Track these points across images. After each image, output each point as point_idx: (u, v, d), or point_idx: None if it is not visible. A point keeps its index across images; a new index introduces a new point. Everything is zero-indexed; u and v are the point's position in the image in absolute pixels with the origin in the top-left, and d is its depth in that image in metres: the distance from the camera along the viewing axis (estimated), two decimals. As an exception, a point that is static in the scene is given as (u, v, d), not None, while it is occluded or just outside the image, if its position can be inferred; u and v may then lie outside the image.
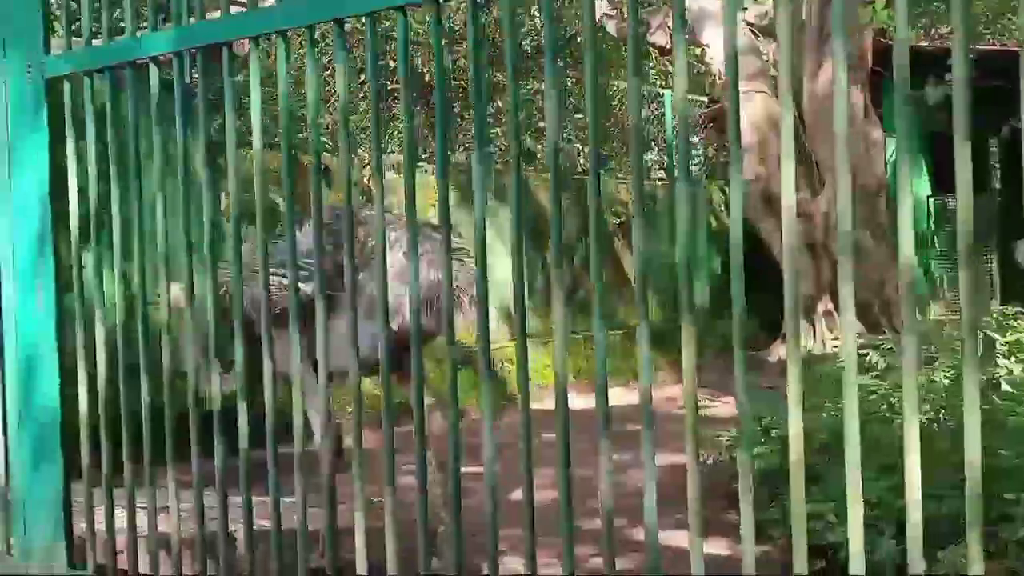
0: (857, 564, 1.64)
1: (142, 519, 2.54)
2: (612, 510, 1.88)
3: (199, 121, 2.41)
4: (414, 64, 9.42)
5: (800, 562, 1.69)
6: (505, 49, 1.97)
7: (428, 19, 2.07)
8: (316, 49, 2.26)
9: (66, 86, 2.67)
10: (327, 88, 7.88)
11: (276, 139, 2.37)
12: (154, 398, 2.50)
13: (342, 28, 2.20)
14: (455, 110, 9.11)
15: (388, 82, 8.47)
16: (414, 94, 9.15)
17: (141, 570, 2.55)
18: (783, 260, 1.74)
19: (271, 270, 2.34)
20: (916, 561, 1.56)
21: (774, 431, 4.96)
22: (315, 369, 2.27)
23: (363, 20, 2.19)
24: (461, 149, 9.25)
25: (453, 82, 8.99)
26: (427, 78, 8.68)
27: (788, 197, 1.74)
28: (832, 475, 3.64)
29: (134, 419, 2.53)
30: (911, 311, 1.61)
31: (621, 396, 6.65)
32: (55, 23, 2.84)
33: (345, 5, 2.17)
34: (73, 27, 2.90)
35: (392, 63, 8.41)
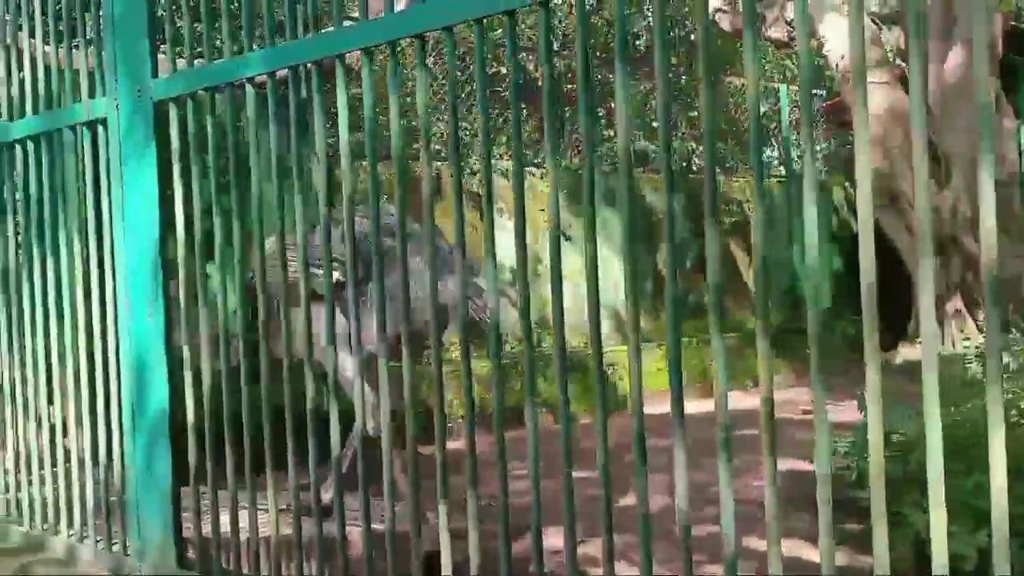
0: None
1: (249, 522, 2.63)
2: (687, 516, 1.86)
3: (291, 135, 2.50)
4: (524, 69, 9.47)
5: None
6: (576, 50, 1.97)
7: (497, 26, 2.08)
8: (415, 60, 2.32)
9: (172, 107, 2.80)
10: (414, 99, 8.01)
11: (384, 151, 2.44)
12: (253, 403, 2.60)
13: (424, 44, 2.25)
14: (563, 113, 9.10)
15: (500, 88, 8.55)
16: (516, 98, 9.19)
17: (244, 571, 2.65)
18: (860, 261, 1.68)
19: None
20: (1001, 563, 1.51)
21: (894, 436, 4.77)
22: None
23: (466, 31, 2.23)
24: (573, 152, 9.25)
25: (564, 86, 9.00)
26: (540, 83, 8.72)
27: (864, 194, 1.68)
28: (949, 484, 3.47)
29: (236, 423, 2.64)
30: (994, 312, 1.53)
31: (740, 400, 6.51)
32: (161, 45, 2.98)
33: (424, 21, 2.21)
34: (177, 49, 3.04)
35: (503, 69, 8.48)
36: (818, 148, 12.03)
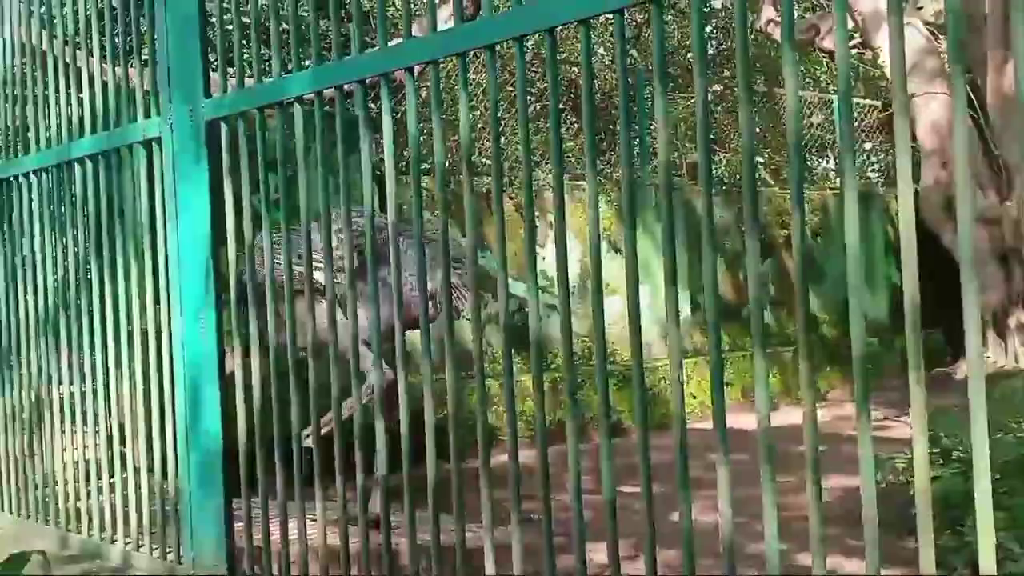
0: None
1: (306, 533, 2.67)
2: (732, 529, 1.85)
3: (338, 152, 2.54)
4: (572, 82, 9.50)
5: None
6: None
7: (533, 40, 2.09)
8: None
9: (223, 126, 2.86)
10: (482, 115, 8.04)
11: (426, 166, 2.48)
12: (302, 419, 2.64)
13: (465, 62, 2.28)
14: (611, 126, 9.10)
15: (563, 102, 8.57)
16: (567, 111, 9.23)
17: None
18: (903, 279, 1.66)
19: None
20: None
21: (955, 453, 4.65)
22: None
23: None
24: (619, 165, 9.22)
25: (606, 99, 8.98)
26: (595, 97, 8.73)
27: (906, 210, 1.66)
28: (1013, 502, 3.37)
29: (286, 436, 2.68)
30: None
31: (799, 415, 6.38)
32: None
33: (468, 41, 2.24)
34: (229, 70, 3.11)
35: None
36: (874, 160, 11.87)
